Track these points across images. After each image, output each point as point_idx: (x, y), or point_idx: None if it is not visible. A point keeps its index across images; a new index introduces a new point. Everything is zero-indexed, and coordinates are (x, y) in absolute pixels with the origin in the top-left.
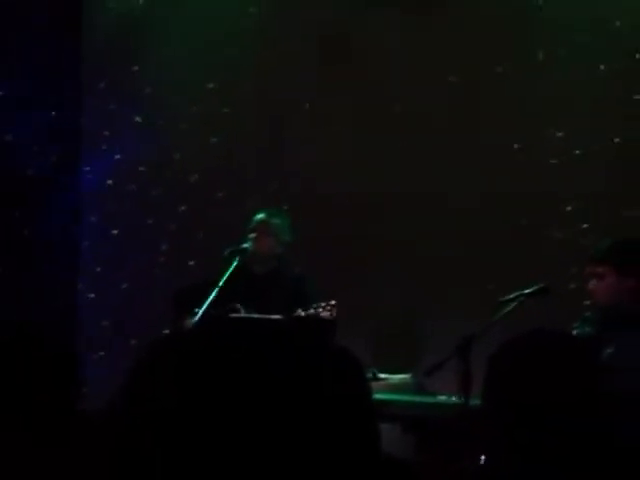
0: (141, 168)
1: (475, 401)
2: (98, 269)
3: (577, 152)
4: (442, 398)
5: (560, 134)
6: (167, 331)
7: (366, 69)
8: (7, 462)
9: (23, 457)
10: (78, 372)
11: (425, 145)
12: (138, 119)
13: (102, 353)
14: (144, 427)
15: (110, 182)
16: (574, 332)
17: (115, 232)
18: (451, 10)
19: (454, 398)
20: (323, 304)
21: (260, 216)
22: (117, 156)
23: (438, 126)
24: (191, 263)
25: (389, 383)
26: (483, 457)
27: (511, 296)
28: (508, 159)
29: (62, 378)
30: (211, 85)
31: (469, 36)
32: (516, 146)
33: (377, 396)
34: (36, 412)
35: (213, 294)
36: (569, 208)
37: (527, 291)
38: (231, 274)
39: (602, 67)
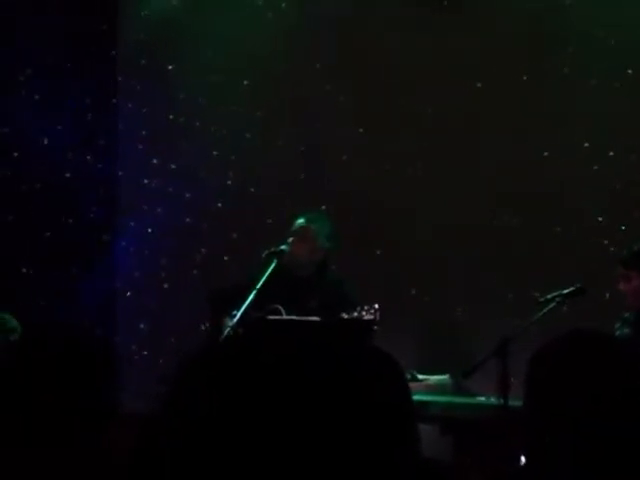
0: (174, 167)
1: (513, 402)
2: (136, 273)
3: (609, 156)
4: (480, 399)
5: (587, 144)
6: (205, 330)
7: (398, 71)
8: (45, 461)
9: (61, 457)
10: (116, 374)
11: (456, 147)
12: (173, 118)
13: (144, 352)
14: (185, 434)
15: (146, 181)
16: (616, 333)
17: (150, 230)
18: (482, 11)
19: (492, 399)
20: (366, 307)
21: (300, 221)
22: (154, 160)
23: (468, 128)
24: (226, 259)
25: (428, 384)
26: (523, 458)
27: (549, 297)
28: (539, 163)
29: (101, 380)
30: (246, 85)
31: (495, 43)
32: (546, 154)
33: (415, 397)
34: (73, 414)
35: (251, 295)
36: (600, 218)
37: (565, 291)
38: (269, 276)
39: (630, 72)
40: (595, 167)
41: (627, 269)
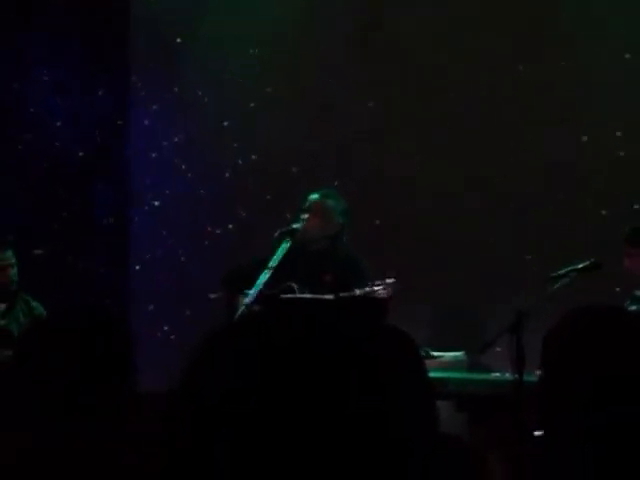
0: (185, 141)
1: (528, 378)
2: (147, 256)
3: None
4: (495, 375)
5: (619, 133)
6: (214, 300)
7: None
8: (67, 445)
9: (82, 440)
10: (133, 353)
11: (483, 132)
12: (182, 91)
13: (161, 332)
14: (202, 413)
15: (154, 155)
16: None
17: (157, 203)
18: None
19: (507, 375)
20: (380, 282)
21: (314, 196)
22: (164, 142)
23: (498, 114)
24: (232, 229)
25: (442, 361)
26: (538, 433)
27: (562, 272)
28: (568, 149)
29: (119, 360)
30: (256, 57)
31: (534, 27)
32: (584, 138)
33: (430, 374)
34: (94, 396)
35: (264, 275)
36: (614, 192)
37: (579, 266)
38: (283, 254)
39: None
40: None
41: (633, 247)
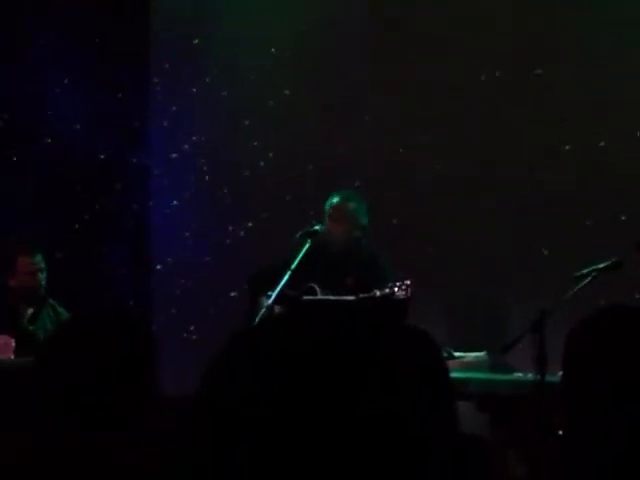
0: (204, 140)
1: (551, 378)
2: (169, 259)
3: None
4: (518, 375)
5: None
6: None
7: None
8: (90, 449)
9: (104, 445)
10: (157, 356)
11: (501, 132)
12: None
13: (184, 333)
14: (223, 418)
15: (174, 156)
16: None
17: (176, 203)
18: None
19: (530, 375)
20: (398, 283)
21: (335, 200)
22: (184, 144)
23: (517, 113)
24: (253, 231)
25: (464, 361)
26: (560, 432)
27: (585, 271)
28: (589, 149)
29: (142, 363)
30: (274, 56)
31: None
32: (603, 144)
33: (452, 374)
34: (116, 400)
35: (286, 277)
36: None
37: (601, 266)
38: (305, 256)
39: None
40: None
41: None
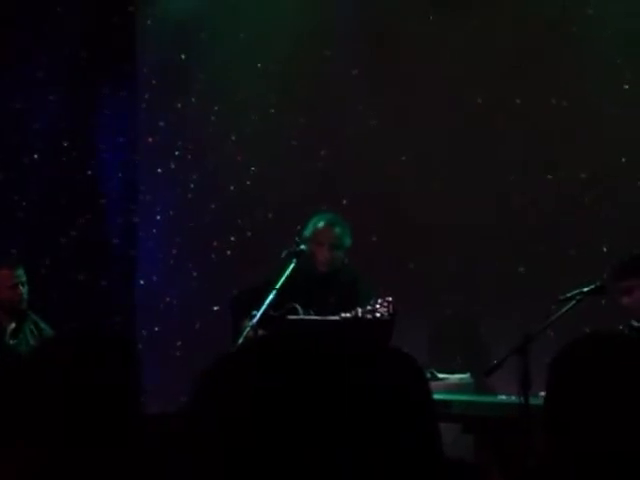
0: (190, 157)
1: (535, 401)
2: (153, 276)
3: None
4: (501, 398)
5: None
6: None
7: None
8: (72, 464)
9: (89, 461)
10: (141, 373)
11: (486, 145)
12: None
13: (168, 350)
14: (209, 439)
15: (160, 171)
16: None
17: (159, 218)
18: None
19: (513, 398)
20: (380, 301)
21: (320, 224)
22: (170, 158)
23: (503, 128)
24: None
25: (448, 383)
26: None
27: (569, 295)
28: (579, 165)
29: (126, 380)
30: (261, 69)
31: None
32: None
33: (436, 396)
34: (102, 415)
35: (271, 296)
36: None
37: (586, 289)
38: (289, 275)
39: None
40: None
41: (625, 280)
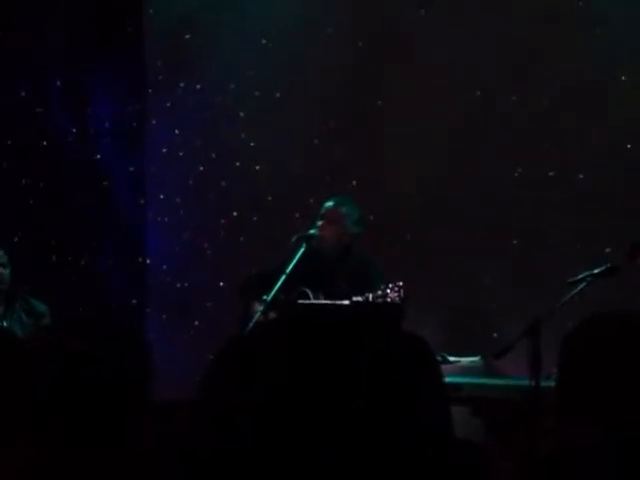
0: (200, 147)
1: (545, 383)
2: (162, 261)
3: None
4: (512, 380)
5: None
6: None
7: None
8: (79, 453)
9: (96, 449)
10: (150, 361)
11: (488, 137)
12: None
13: (177, 338)
14: (221, 421)
15: (165, 150)
16: None
17: (163, 197)
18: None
19: (524, 380)
20: (391, 285)
21: (329, 204)
22: (177, 143)
23: (503, 121)
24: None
25: (459, 366)
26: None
27: (580, 276)
28: (582, 151)
29: (135, 367)
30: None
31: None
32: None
33: (446, 379)
34: (109, 405)
35: (281, 280)
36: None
37: (596, 271)
38: (299, 260)
39: None
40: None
41: None
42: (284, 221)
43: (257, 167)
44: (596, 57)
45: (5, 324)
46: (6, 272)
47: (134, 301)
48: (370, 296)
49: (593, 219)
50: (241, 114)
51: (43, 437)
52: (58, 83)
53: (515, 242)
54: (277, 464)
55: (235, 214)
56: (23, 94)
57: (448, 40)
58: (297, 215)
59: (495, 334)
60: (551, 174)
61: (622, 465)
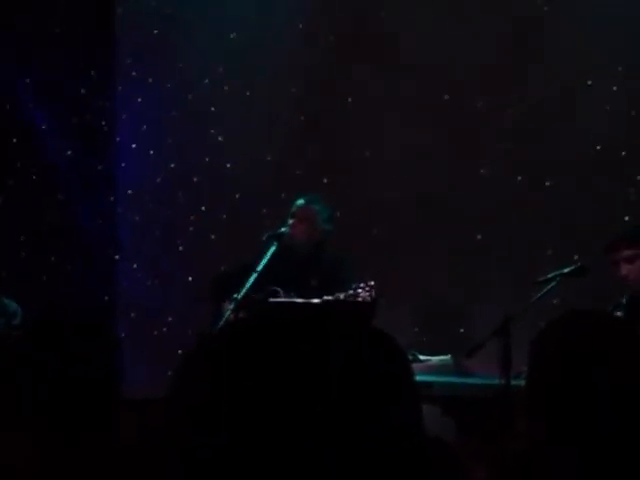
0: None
1: (515, 382)
2: (135, 267)
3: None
4: (482, 379)
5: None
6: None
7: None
8: (51, 451)
9: (66, 446)
10: (119, 358)
11: (471, 132)
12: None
13: (147, 336)
14: (191, 422)
15: (134, 146)
16: None
17: (141, 201)
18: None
19: (494, 379)
20: (362, 285)
21: (300, 202)
22: (149, 144)
23: (494, 119)
24: (213, 238)
25: (429, 364)
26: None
27: (549, 276)
28: (569, 147)
29: (105, 364)
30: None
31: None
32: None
33: (417, 378)
34: (80, 400)
35: (252, 278)
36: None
37: (565, 271)
38: (270, 258)
39: None
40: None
41: (628, 249)
42: (254, 217)
43: (228, 164)
44: (564, 62)
45: None
46: None
47: (106, 298)
48: (341, 295)
49: (570, 220)
50: (212, 109)
51: (13, 436)
52: (27, 80)
53: (487, 241)
54: (250, 462)
55: (204, 209)
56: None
57: (418, 38)
58: (264, 211)
59: (462, 330)
60: (519, 178)
61: (592, 464)
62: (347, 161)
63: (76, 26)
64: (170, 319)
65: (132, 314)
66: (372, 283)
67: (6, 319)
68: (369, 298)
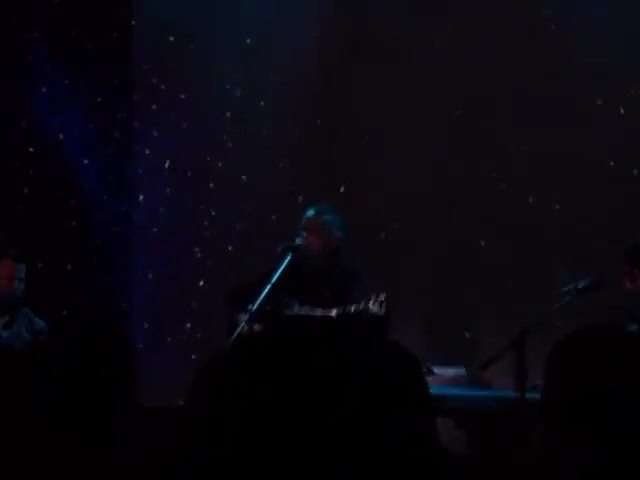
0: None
1: (531, 395)
2: (149, 275)
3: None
4: (497, 392)
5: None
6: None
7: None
8: (65, 456)
9: (80, 453)
10: (136, 366)
11: (479, 135)
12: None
13: (163, 346)
14: (207, 432)
15: (148, 152)
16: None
17: (160, 212)
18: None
19: (509, 392)
20: (374, 297)
21: (310, 213)
22: (166, 153)
23: (495, 122)
24: (230, 248)
25: (443, 377)
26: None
27: (566, 289)
28: (572, 154)
29: (122, 372)
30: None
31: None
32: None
33: (431, 390)
34: (95, 408)
35: (266, 290)
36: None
37: (581, 285)
38: (285, 270)
39: None
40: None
41: (629, 266)
42: (270, 226)
43: (242, 174)
44: (547, 70)
45: (5, 335)
46: (20, 286)
47: (124, 305)
48: (352, 308)
49: (583, 227)
50: (227, 114)
51: (32, 439)
52: (43, 89)
53: (503, 252)
54: (263, 472)
55: (215, 214)
56: (8, 100)
57: (433, 43)
58: (274, 217)
59: (470, 336)
60: (538, 180)
61: (614, 470)
62: (364, 167)
63: (93, 34)
64: (188, 325)
65: (145, 325)
66: (384, 295)
67: (33, 336)
68: (381, 311)
